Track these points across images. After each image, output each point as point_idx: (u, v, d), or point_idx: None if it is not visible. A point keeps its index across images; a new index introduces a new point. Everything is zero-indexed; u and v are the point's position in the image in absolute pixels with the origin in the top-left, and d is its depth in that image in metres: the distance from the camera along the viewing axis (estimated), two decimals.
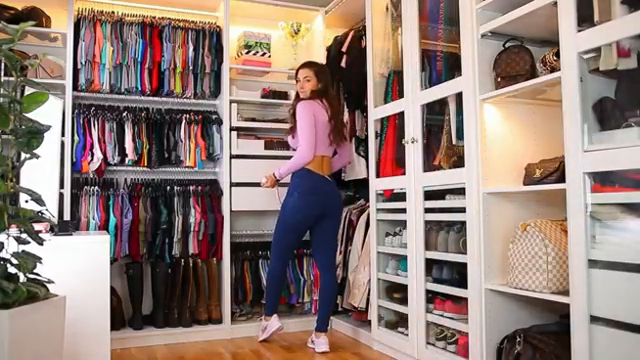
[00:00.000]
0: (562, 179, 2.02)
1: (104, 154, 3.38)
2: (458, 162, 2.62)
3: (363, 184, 3.49)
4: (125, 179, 3.53)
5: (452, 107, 2.72)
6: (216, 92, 3.70)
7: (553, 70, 2.14)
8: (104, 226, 3.29)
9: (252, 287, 3.66)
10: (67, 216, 3.19)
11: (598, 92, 2.01)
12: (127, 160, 3.45)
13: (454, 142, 2.71)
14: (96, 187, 3.37)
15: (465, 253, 2.47)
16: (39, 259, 1.65)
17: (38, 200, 1.66)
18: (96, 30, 3.38)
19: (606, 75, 2.01)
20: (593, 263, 1.87)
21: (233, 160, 3.62)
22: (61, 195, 3.14)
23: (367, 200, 3.43)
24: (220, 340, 3.44)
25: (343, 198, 4.02)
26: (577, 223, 1.91)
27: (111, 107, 3.48)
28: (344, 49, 3.65)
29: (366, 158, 3.45)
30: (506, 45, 2.41)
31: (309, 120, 3.11)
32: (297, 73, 3.33)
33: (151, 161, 3.51)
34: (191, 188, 3.58)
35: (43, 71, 3.25)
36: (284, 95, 3.84)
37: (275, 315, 3.32)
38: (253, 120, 3.81)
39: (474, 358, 2.37)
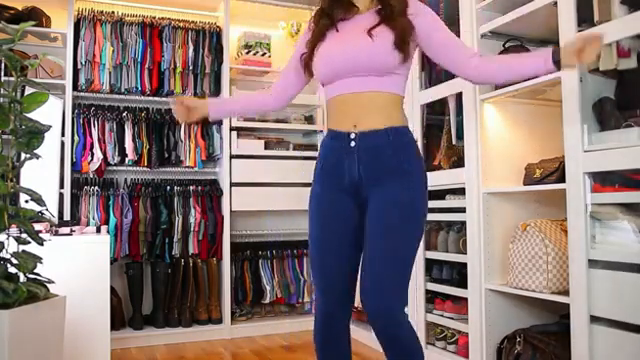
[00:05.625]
0: (562, 179, 2.02)
1: (104, 154, 3.37)
2: (458, 162, 2.62)
3: None
4: (125, 179, 3.53)
5: (452, 107, 2.72)
6: (216, 92, 3.70)
7: None
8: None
9: (252, 287, 3.66)
10: (67, 216, 3.19)
11: (598, 92, 2.01)
12: (127, 160, 3.45)
13: (454, 142, 2.71)
14: (96, 187, 3.37)
15: (465, 253, 2.47)
16: (39, 259, 1.65)
17: (38, 200, 1.66)
18: (96, 30, 3.38)
19: (606, 75, 2.01)
20: (593, 263, 1.87)
21: (233, 160, 3.62)
22: (61, 195, 3.14)
23: None
24: (220, 340, 3.43)
25: None
26: (577, 223, 1.91)
27: (111, 107, 3.48)
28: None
29: None
30: (506, 45, 2.41)
31: None
32: None
33: (151, 161, 3.51)
34: (191, 188, 3.58)
35: (43, 71, 3.25)
36: None
37: None
38: (253, 120, 3.81)
39: (474, 358, 2.37)
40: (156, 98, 3.60)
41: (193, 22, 3.66)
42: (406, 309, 1.53)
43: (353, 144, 1.53)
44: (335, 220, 1.57)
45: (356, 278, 1.59)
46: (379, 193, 1.51)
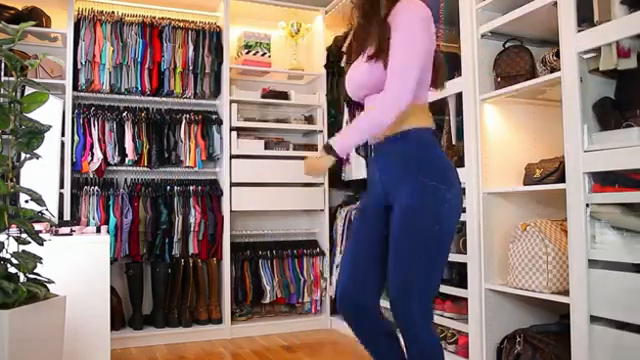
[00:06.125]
0: (562, 179, 2.02)
1: (104, 154, 3.37)
2: (458, 162, 2.62)
3: (364, 184, 3.49)
4: (125, 179, 3.53)
5: (452, 107, 2.72)
6: (216, 92, 3.70)
7: (553, 70, 2.14)
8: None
9: (252, 287, 3.66)
10: (67, 216, 3.19)
11: (598, 92, 2.01)
12: (127, 160, 3.44)
13: (454, 142, 2.71)
14: (96, 187, 3.37)
15: (465, 253, 2.46)
16: (39, 259, 1.65)
17: (38, 200, 1.66)
18: (96, 30, 3.38)
19: (606, 75, 2.01)
20: (593, 263, 1.87)
21: (233, 160, 3.62)
22: (61, 195, 3.14)
23: None
24: (220, 340, 3.43)
25: (344, 198, 4.02)
26: (577, 223, 1.91)
27: (111, 107, 3.47)
28: (344, 49, 3.65)
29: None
30: (506, 45, 2.41)
31: (431, 38, 1.57)
32: None
33: (151, 161, 3.51)
34: (191, 188, 3.58)
35: (43, 71, 3.25)
36: (284, 95, 3.84)
37: None
38: (253, 120, 3.81)
39: (474, 358, 2.37)
40: (156, 98, 3.60)
41: (193, 22, 3.66)
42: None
43: (373, 155, 1.61)
44: (371, 223, 1.61)
45: (378, 275, 1.59)
46: (394, 201, 1.53)
